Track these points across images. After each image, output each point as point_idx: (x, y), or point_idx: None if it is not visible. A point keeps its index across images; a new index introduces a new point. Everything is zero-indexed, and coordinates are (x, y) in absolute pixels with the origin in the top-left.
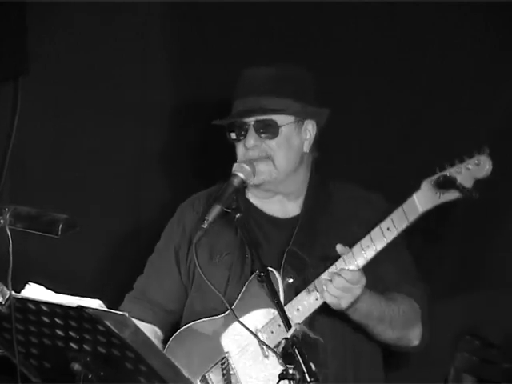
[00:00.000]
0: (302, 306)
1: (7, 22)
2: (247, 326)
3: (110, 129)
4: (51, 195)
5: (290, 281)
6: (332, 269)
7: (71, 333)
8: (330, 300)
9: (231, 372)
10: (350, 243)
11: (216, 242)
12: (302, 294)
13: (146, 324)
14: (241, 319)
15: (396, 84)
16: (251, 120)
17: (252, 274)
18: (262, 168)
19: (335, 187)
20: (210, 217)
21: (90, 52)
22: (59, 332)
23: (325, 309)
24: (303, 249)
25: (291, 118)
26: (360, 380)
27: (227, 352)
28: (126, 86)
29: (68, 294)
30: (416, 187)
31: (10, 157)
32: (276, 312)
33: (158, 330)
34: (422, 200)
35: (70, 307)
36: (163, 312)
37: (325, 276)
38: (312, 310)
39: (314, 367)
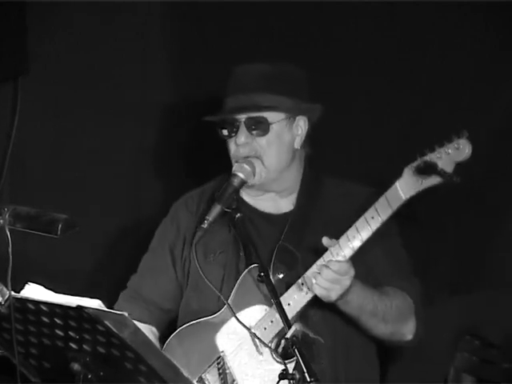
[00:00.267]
0: (293, 301)
1: (7, 22)
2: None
3: (110, 129)
4: (51, 195)
5: (281, 276)
6: (320, 261)
7: (71, 333)
8: (319, 292)
9: (227, 371)
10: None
11: (210, 240)
12: (293, 289)
13: (142, 324)
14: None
15: (396, 84)
16: (242, 117)
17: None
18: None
19: (330, 183)
20: (211, 217)
21: (90, 52)
22: (59, 332)
23: (316, 302)
24: (294, 244)
25: (282, 115)
26: (351, 374)
27: (222, 351)
28: (126, 86)
29: (68, 294)
30: (398, 175)
31: (10, 157)
32: (268, 308)
33: (155, 329)
34: (405, 187)
35: (69, 307)
36: (159, 311)
37: (313, 269)
38: (303, 303)
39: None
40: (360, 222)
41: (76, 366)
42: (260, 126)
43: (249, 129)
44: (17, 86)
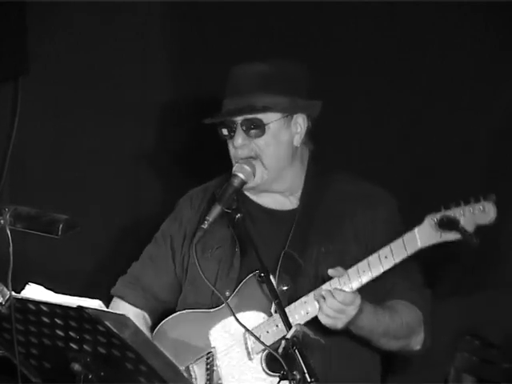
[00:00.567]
0: (293, 318)
1: (7, 22)
2: (237, 325)
3: (110, 129)
4: (51, 195)
5: (285, 288)
6: (326, 286)
7: (71, 333)
8: (324, 321)
9: (214, 368)
10: (343, 243)
11: (209, 236)
12: (295, 306)
13: (136, 309)
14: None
15: (396, 84)
16: (239, 119)
17: (241, 267)
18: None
19: (339, 180)
20: (211, 217)
21: (90, 52)
22: (59, 332)
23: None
24: (299, 251)
25: (279, 115)
26: (352, 374)
27: (214, 347)
28: (126, 86)
29: (68, 294)
30: (419, 220)
31: (10, 157)
32: (266, 317)
33: (147, 316)
34: (423, 236)
35: (69, 307)
36: (154, 300)
37: (318, 291)
38: (302, 322)
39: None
40: (373, 259)
41: (76, 367)
42: (256, 128)
43: (245, 131)
44: (17, 86)
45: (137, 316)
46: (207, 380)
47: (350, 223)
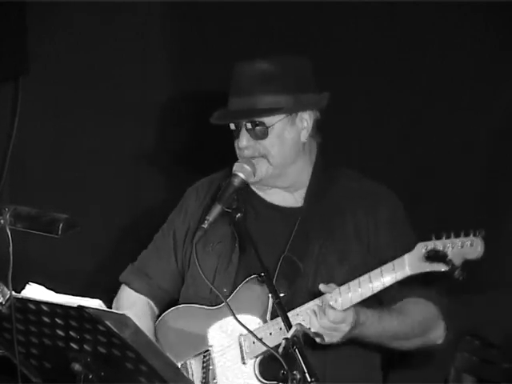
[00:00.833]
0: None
1: (7, 22)
2: (234, 327)
3: (110, 129)
4: (51, 195)
5: (281, 295)
6: (317, 301)
7: (72, 333)
8: (318, 340)
9: (210, 367)
10: (344, 242)
11: (211, 231)
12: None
13: (140, 296)
14: (232, 317)
15: (396, 84)
16: (242, 121)
17: (239, 263)
18: (259, 167)
19: (345, 175)
20: (211, 217)
21: (90, 52)
22: (60, 332)
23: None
24: (298, 255)
25: (282, 115)
26: (352, 374)
27: (211, 346)
28: (126, 86)
29: (68, 294)
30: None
31: (10, 157)
32: (261, 323)
33: (152, 304)
34: (412, 263)
35: (70, 307)
36: (158, 288)
37: (309, 305)
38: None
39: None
40: (364, 279)
41: (77, 366)
42: (259, 130)
43: (249, 132)
44: (17, 86)
45: (142, 303)
46: (203, 378)
47: (352, 221)
